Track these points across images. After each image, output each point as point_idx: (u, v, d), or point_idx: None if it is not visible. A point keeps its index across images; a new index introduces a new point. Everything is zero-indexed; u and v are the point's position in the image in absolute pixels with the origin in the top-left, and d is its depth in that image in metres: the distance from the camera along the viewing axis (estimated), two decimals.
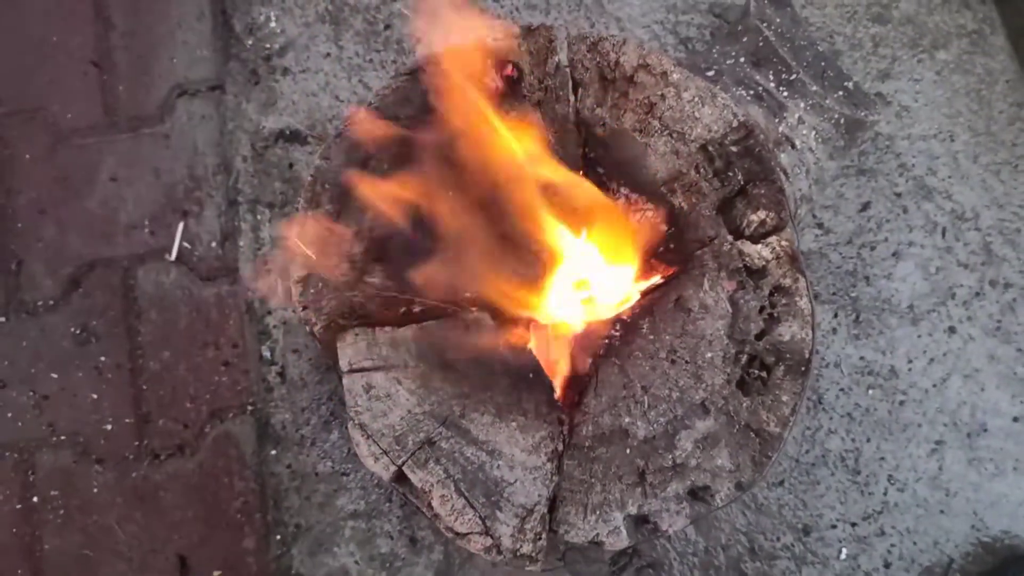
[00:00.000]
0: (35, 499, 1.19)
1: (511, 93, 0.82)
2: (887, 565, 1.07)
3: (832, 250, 1.14)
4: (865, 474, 1.09)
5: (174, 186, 1.28)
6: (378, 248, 0.78)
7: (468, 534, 0.72)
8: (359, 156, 0.79)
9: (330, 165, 0.78)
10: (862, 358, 1.11)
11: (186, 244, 1.26)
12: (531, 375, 0.78)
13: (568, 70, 0.83)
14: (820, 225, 1.14)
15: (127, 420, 1.21)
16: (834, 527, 1.08)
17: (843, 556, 1.07)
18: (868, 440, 1.09)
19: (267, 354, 1.19)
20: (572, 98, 0.83)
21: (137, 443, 1.20)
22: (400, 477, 0.74)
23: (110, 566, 1.17)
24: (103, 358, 1.23)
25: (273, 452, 1.15)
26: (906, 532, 1.08)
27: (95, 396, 1.22)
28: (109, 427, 1.21)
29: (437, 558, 1.09)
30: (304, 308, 0.77)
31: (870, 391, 1.10)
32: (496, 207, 0.79)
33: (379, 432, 0.74)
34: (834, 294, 1.12)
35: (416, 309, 0.79)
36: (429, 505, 0.73)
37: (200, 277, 1.25)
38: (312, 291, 0.77)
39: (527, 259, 0.81)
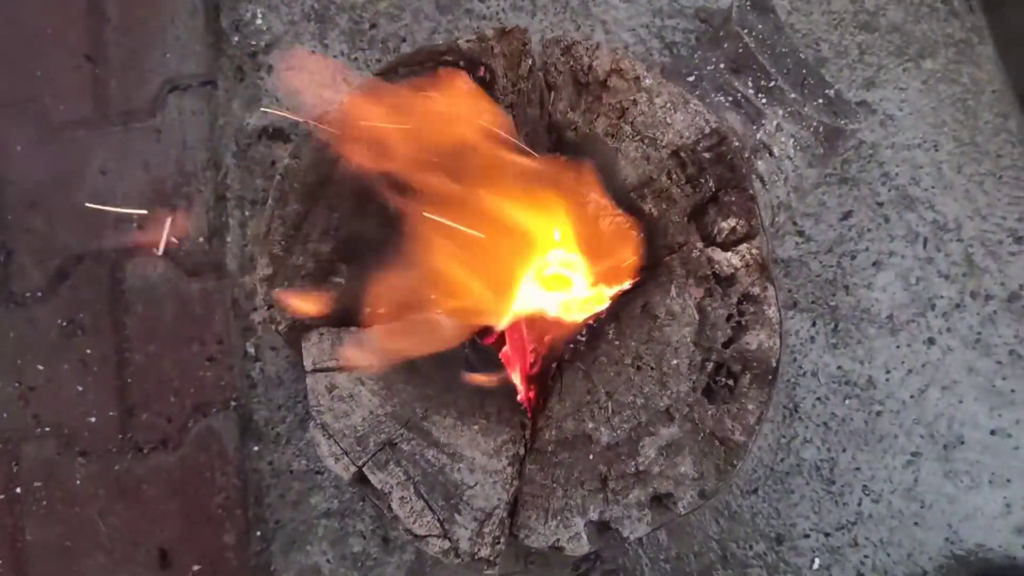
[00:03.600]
0: (18, 490, 1.19)
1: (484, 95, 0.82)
2: None
3: (812, 258, 1.13)
4: (840, 484, 1.08)
5: (163, 180, 1.28)
6: (345, 248, 0.78)
7: (426, 536, 0.73)
8: (330, 156, 0.79)
9: (300, 164, 0.78)
10: (840, 367, 1.11)
11: (174, 239, 1.26)
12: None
13: (541, 73, 0.83)
14: (801, 233, 1.13)
15: (111, 413, 1.21)
16: (807, 536, 1.08)
17: (816, 566, 1.07)
18: (844, 450, 1.09)
19: (251, 350, 1.19)
20: (545, 101, 0.83)
21: (120, 436, 1.21)
22: (361, 478, 0.74)
23: (91, 558, 1.17)
24: (89, 351, 1.24)
25: (256, 448, 1.16)
26: (880, 543, 1.07)
27: (80, 388, 1.22)
28: (93, 420, 1.21)
29: (409, 558, 1.09)
30: (269, 307, 0.77)
31: (847, 401, 1.10)
32: (467, 207, 0.79)
33: (340, 432, 0.74)
34: (813, 302, 1.12)
35: (381, 310, 0.79)
36: (389, 507, 0.73)
37: (187, 272, 1.25)
38: (277, 290, 0.77)
39: (497, 260, 0.81)
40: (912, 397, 1.10)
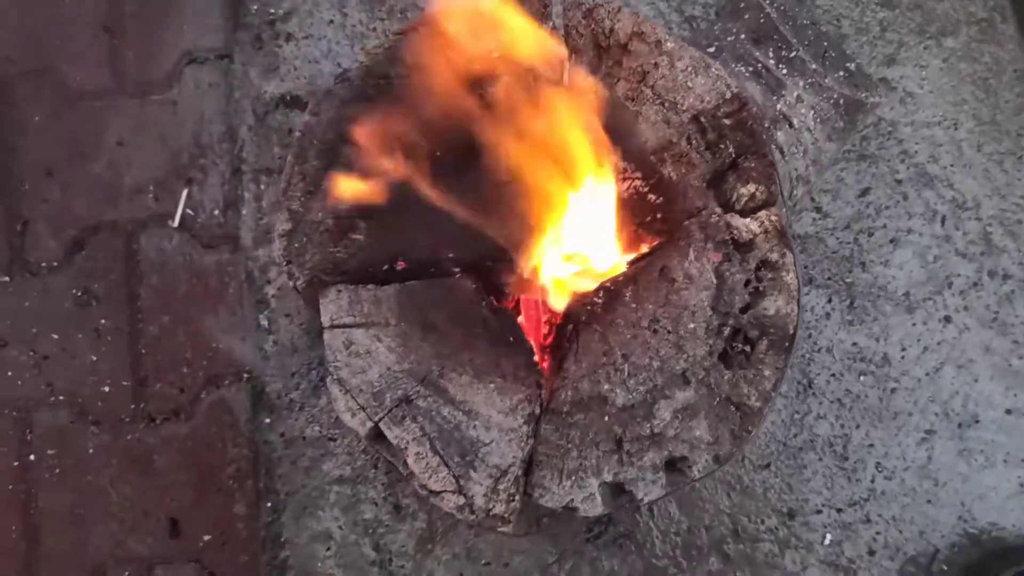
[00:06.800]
0: (32, 457, 1.20)
1: None
2: (871, 552, 1.06)
3: (829, 235, 1.13)
4: (853, 460, 1.08)
5: (179, 152, 1.28)
6: (364, 205, 0.78)
7: (441, 492, 0.73)
8: (348, 113, 0.79)
9: (319, 121, 0.78)
10: (855, 344, 1.10)
11: (189, 211, 1.26)
12: (511, 338, 0.78)
13: (562, 36, 0.82)
14: (818, 209, 1.13)
15: (124, 383, 1.22)
16: (819, 512, 1.07)
17: (827, 541, 1.07)
18: (857, 427, 1.09)
19: (264, 323, 1.19)
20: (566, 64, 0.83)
21: (133, 406, 1.21)
22: (377, 434, 0.74)
23: (102, 526, 1.18)
24: (103, 321, 1.24)
25: (267, 420, 1.16)
26: (892, 520, 1.07)
27: (94, 358, 1.23)
28: (107, 389, 1.22)
29: (420, 526, 1.09)
30: (288, 263, 0.77)
31: (862, 377, 1.09)
32: (487, 167, 0.79)
33: (357, 388, 0.74)
34: (829, 279, 1.11)
35: (399, 267, 0.79)
36: (404, 463, 0.73)
37: (202, 244, 1.25)
38: (296, 245, 0.77)
39: (516, 221, 0.81)
40: (927, 375, 1.09)
